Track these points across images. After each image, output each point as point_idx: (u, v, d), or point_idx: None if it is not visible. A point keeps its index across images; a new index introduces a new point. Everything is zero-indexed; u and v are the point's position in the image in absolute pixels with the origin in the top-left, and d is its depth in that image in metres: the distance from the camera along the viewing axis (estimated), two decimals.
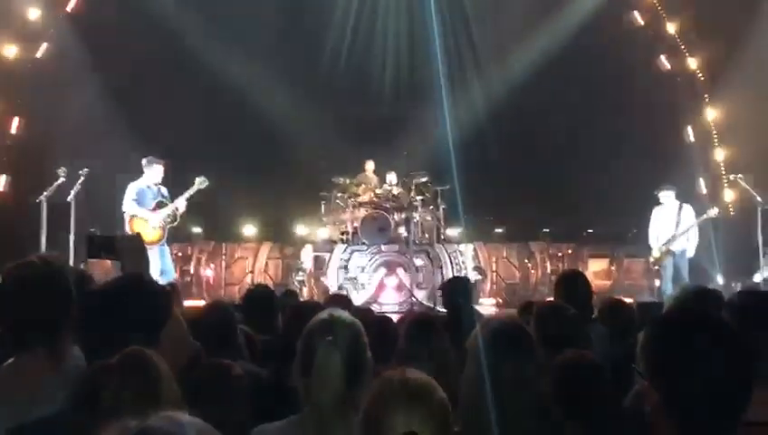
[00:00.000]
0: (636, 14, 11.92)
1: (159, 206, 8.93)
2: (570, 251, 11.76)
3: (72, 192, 8.62)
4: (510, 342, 2.17)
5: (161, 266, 8.71)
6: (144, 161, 9.03)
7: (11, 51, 10.32)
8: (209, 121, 12.19)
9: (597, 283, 10.66)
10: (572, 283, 4.29)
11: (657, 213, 9.71)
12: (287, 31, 12.33)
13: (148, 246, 8.38)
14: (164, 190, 9.11)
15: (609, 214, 11.32)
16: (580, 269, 10.69)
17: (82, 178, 8.67)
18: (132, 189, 8.89)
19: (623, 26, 11.99)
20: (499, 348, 2.15)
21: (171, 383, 1.75)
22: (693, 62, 11.42)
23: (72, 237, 8.59)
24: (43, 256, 2.31)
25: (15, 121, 10.37)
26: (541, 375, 2.24)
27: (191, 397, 2.35)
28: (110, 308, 2.19)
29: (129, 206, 8.83)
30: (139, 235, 8.34)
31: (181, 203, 9.07)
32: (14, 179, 10.30)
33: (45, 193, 8.46)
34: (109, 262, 7.76)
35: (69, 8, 10.87)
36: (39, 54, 10.63)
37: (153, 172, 8.98)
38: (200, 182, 9.19)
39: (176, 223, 9.07)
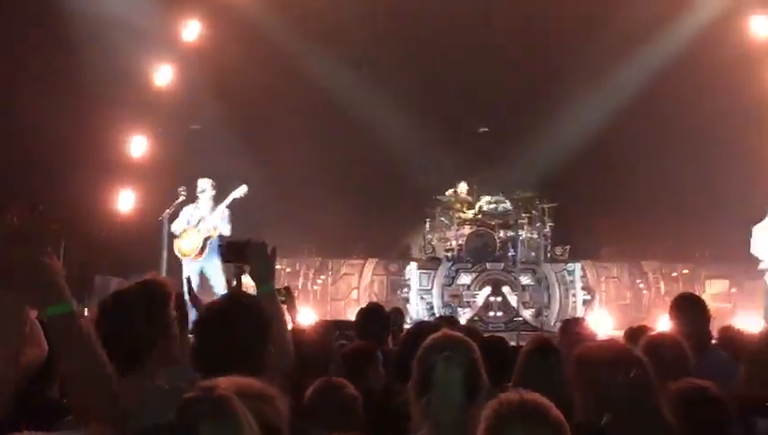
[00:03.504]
0: (756, 21, 11.29)
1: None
2: (686, 271, 11.24)
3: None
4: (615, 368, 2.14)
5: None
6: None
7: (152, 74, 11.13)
8: (318, 141, 12.54)
9: (716, 306, 10.14)
10: (689, 307, 4.12)
11: (763, 230, 9.15)
12: (396, 49, 12.50)
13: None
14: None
15: (727, 232, 10.72)
16: (698, 291, 10.27)
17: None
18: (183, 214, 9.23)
19: (740, 36, 11.40)
20: (605, 374, 2.12)
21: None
22: None
23: None
24: (148, 278, 2.39)
25: (140, 142, 11.07)
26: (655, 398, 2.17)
27: (306, 412, 2.45)
28: (212, 325, 2.25)
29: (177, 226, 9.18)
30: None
31: (211, 218, 9.14)
32: (139, 198, 10.98)
33: (167, 211, 9.00)
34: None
35: (193, 38, 11.57)
36: (165, 80, 11.33)
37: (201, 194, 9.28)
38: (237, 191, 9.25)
39: (210, 235, 9.05)
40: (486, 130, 12.04)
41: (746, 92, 10.86)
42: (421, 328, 3.19)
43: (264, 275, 2.60)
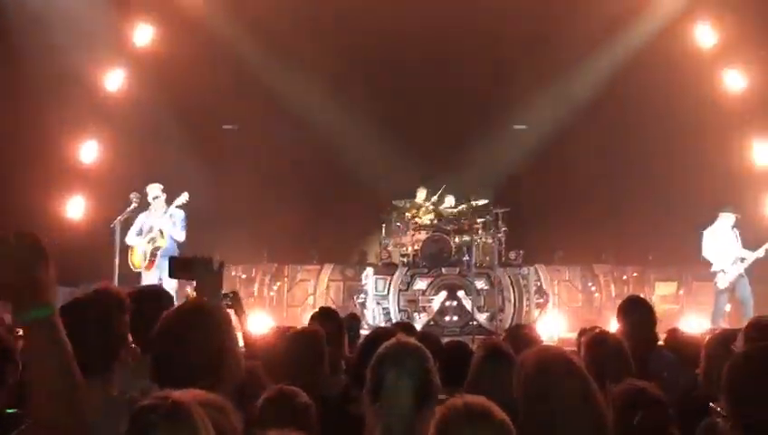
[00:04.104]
0: (701, 29, 11.66)
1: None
2: (635, 274, 11.50)
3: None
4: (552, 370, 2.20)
5: None
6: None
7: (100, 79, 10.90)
8: (273, 145, 12.46)
9: (664, 307, 10.41)
10: (636, 309, 4.22)
11: (713, 234, 9.43)
12: (348, 54, 12.50)
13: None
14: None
15: (675, 236, 11.01)
16: (647, 293, 10.54)
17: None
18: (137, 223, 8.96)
19: (687, 43, 11.75)
20: (544, 375, 2.19)
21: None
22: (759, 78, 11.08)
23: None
24: (102, 287, 2.39)
25: (92, 147, 10.84)
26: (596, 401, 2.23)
27: (258, 422, 2.43)
28: (171, 337, 2.22)
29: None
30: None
31: (159, 223, 8.91)
32: (89, 205, 10.74)
33: (119, 218, 8.81)
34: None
35: (145, 43, 11.40)
36: (116, 84, 11.13)
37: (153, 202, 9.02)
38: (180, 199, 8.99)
39: (158, 244, 8.84)
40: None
41: (695, 98, 11.19)
42: (378, 334, 3.19)
43: (210, 291, 2.59)
